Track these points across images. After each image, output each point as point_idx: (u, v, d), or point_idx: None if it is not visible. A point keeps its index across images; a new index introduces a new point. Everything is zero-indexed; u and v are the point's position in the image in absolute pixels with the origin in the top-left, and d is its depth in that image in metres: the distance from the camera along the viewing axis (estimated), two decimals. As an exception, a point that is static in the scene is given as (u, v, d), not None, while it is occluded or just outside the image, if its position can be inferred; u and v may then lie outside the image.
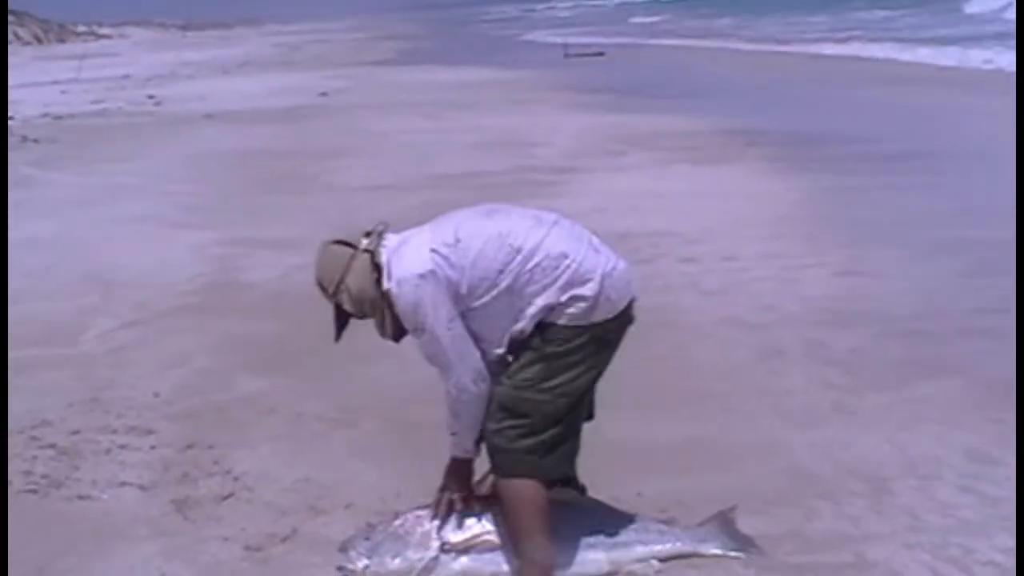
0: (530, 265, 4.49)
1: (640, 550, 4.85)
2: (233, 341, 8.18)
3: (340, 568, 4.75)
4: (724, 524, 5.03)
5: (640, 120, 19.87)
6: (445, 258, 4.55)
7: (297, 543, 5.13)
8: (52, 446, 6.28)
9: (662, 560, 4.86)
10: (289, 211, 12.79)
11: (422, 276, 4.57)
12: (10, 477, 5.84)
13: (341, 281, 4.73)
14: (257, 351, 7.90)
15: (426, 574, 4.71)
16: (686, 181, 14.32)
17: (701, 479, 5.50)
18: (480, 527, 4.77)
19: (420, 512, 4.85)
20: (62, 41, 41.47)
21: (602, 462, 5.32)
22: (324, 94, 26.32)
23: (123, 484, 5.77)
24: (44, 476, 5.89)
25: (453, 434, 4.72)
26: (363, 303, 4.72)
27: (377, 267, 4.66)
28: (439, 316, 4.56)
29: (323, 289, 4.76)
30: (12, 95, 27.11)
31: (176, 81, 30.52)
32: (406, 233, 4.78)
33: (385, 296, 4.65)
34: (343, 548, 4.81)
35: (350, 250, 4.76)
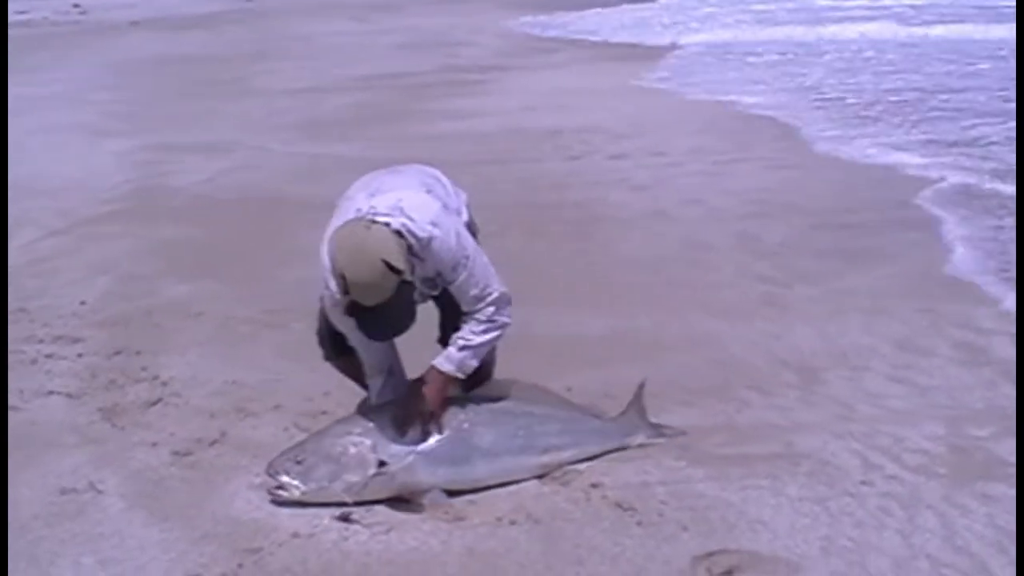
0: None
1: (570, 452, 4.87)
2: (159, 247, 8.10)
3: (273, 495, 4.63)
4: (641, 412, 5.08)
5: (572, 17, 19.71)
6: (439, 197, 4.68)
7: (226, 446, 5.11)
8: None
9: (592, 458, 4.89)
10: (214, 116, 12.64)
11: (445, 208, 4.66)
12: (-66, 389, 5.76)
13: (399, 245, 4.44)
14: (183, 256, 7.82)
15: (364, 494, 4.62)
16: (616, 78, 14.24)
17: (630, 371, 5.46)
18: (416, 442, 4.70)
19: (349, 428, 4.76)
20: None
21: (532, 357, 5.34)
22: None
23: (50, 393, 5.71)
24: (-32, 387, 5.81)
25: (465, 350, 4.72)
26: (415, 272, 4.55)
27: (398, 233, 4.44)
28: (471, 241, 4.68)
29: (392, 269, 4.30)
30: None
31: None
32: (365, 203, 4.59)
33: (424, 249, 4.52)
34: (273, 472, 4.65)
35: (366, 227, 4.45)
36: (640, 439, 4.99)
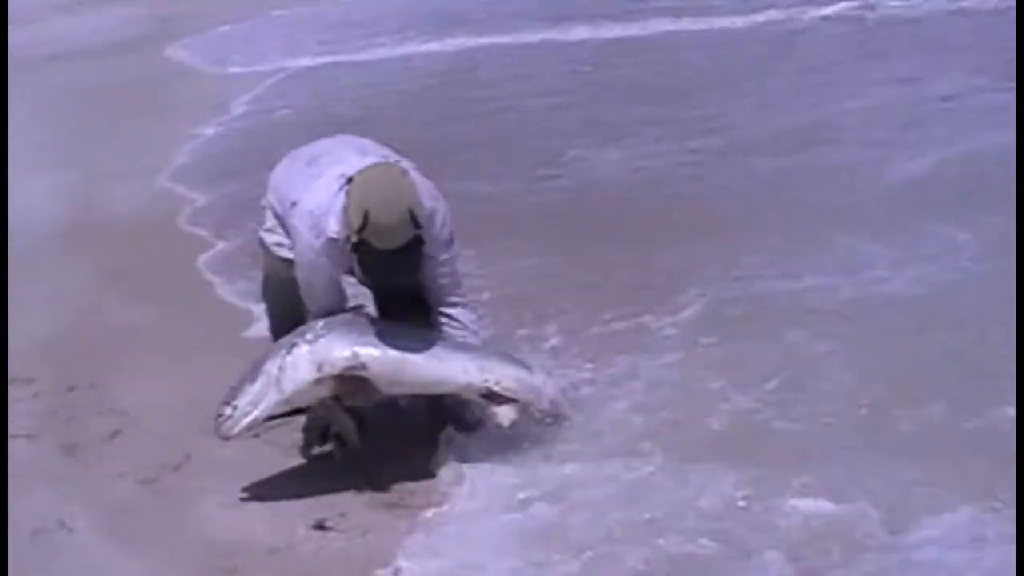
0: None
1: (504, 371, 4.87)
2: (101, 277, 7.98)
3: (220, 433, 4.66)
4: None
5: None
6: None
7: (192, 468, 5.09)
8: None
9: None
10: (144, 140, 12.47)
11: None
12: None
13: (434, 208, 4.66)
14: (126, 284, 7.71)
15: (304, 396, 4.65)
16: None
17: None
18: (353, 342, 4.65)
19: (280, 345, 4.73)
20: None
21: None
22: (166, 20, 25.61)
23: (11, 437, 5.62)
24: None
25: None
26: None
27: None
28: None
29: (414, 220, 4.36)
30: None
31: (15, 25, 29.37)
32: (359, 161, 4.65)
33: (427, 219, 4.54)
34: (216, 415, 4.67)
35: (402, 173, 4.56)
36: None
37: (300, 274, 4.72)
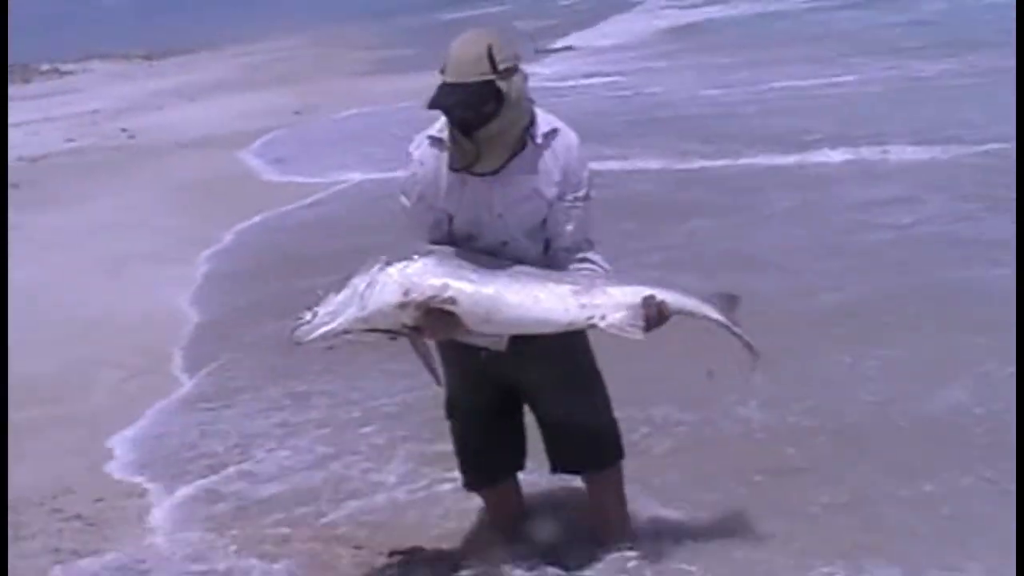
0: None
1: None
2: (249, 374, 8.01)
3: (294, 337, 4.44)
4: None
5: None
6: None
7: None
8: (77, 516, 5.98)
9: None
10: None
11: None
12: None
13: (516, 66, 4.36)
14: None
15: (384, 316, 4.39)
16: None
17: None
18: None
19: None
20: (27, 81, 40.84)
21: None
22: (298, 112, 25.82)
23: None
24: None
25: None
26: (516, 107, 4.36)
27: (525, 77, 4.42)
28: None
29: (490, 59, 4.22)
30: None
31: (146, 112, 29.83)
32: None
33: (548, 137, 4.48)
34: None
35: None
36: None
37: (402, 197, 4.65)
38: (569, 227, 4.54)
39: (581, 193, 4.53)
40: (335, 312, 4.36)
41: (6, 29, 20.14)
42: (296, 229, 13.11)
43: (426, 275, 4.34)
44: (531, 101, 4.45)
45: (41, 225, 15.05)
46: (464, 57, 4.21)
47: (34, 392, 7.88)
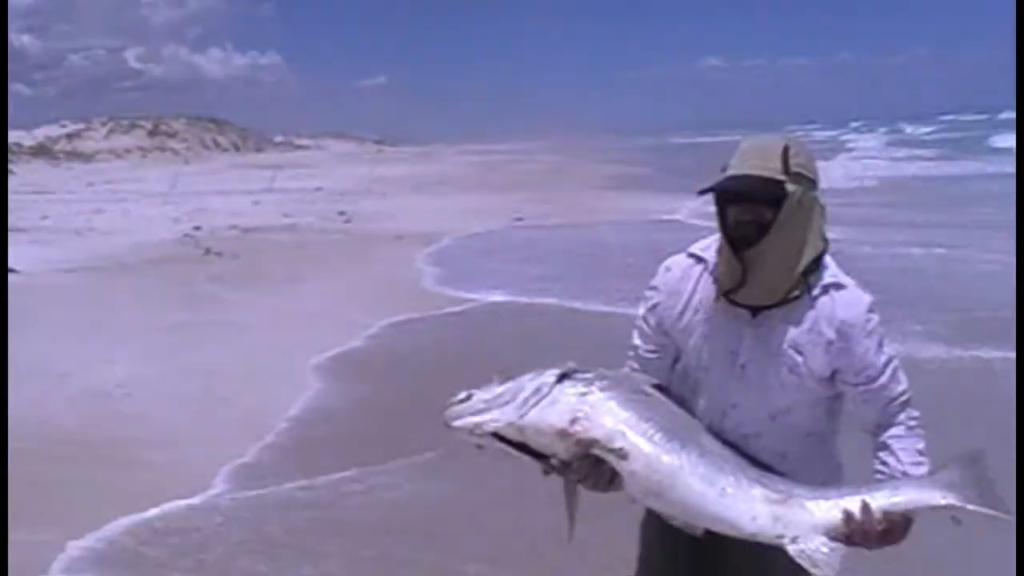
0: None
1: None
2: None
3: (448, 415, 3.39)
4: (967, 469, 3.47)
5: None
6: None
7: None
8: None
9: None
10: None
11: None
12: None
13: (812, 179, 3.48)
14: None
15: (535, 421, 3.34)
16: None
17: None
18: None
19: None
20: (260, 150, 41.29)
21: None
22: (519, 218, 25.18)
23: None
24: None
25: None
26: (800, 226, 3.42)
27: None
28: None
29: (784, 158, 3.39)
30: (205, 202, 26.53)
31: (368, 197, 29.74)
32: None
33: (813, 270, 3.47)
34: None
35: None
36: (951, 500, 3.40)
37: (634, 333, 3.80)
38: (868, 405, 3.53)
39: (876, 367, 3.50)
40: (491, 403, 3.42)
41: (6, 29, 20.01)
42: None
43: (603, 412, 3.38)
44: (825, 241, 3.50)
45: (238, 302, 14.66)
46: (754, 150, 3.46)
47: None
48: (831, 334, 3.45)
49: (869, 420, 3.55)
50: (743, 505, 3.38)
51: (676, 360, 3.67)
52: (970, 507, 3.41)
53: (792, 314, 3.46)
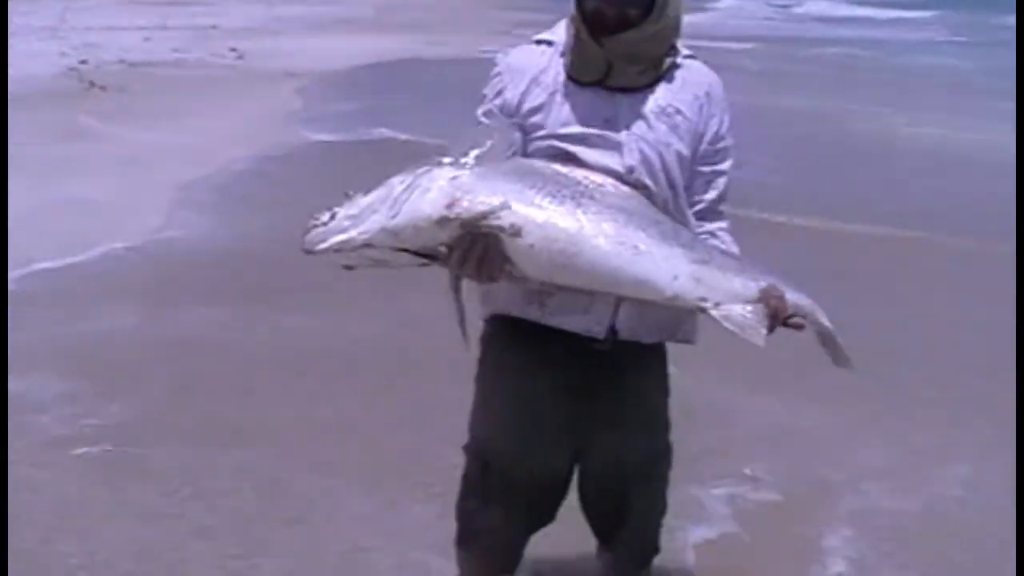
0: None
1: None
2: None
3: (307, 243, 3.14)
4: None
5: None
6: None
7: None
8: None
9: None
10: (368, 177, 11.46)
11: None
12: None
13: None
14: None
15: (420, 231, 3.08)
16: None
17: None
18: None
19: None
20: (156, -15, 40.15)
21: None
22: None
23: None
24: None
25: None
26: (666, 23, 3.25)
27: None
28: None
29: None
30: (94, 37, 25.93)
31: (263, 36, 29.06)
32: None
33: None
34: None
35: None
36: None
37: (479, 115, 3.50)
38: (708, 188, 3.48)
39: (727, 143, 3.48)
40: (359, 217, 3.11)
41: (6, 29, 19.41)
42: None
43: (482, 188, 3.08)
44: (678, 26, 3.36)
45: (115, 137, 14.38)
46: None
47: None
48: (701, 95, 3.39)
49: (695, 198, 3.45)
50: (662, 263, 3.15)
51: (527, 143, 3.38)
52: (839, 341, 3.52)
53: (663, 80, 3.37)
